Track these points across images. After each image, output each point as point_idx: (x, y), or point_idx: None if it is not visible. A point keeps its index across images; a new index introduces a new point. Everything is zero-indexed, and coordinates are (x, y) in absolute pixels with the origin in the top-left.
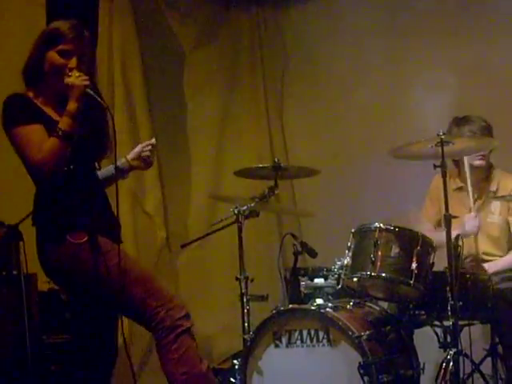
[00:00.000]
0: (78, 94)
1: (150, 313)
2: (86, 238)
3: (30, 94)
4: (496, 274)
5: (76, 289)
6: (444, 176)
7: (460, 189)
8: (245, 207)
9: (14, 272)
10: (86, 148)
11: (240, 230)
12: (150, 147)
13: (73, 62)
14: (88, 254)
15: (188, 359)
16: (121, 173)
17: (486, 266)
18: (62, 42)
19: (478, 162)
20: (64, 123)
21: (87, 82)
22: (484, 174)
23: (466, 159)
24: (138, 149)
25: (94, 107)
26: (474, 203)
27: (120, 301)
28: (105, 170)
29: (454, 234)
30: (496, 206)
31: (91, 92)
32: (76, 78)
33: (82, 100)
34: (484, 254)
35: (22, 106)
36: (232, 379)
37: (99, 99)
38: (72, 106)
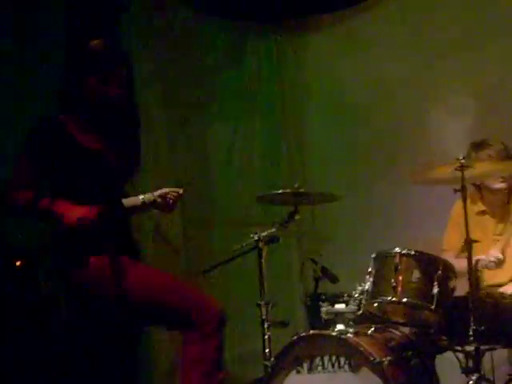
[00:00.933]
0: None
1: (183, 317)
2: (107, 260)
3: (63, 119)
4: None
5: (99, 309)
6: (464, 200)
7: (482, 213)
8: (265, 233)
9: None
10: (112, 169)
11: (260, 255)
12: (176, 194)
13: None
14: (110, 273)
15: (208, 362)
16: (146, 207)
17: (503, 289)
18: (101, 67)
19: (498, 186)
20: (71, 216)
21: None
22: (505, 197)
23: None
24: (165, 190)
25: (127, 124)
26: (496, 226)
27: (152, 312)
28: (132, 198)
29: (475, 259)
30: None
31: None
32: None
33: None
34: (508, 278)
35: (43, 136)
36: None
37: None
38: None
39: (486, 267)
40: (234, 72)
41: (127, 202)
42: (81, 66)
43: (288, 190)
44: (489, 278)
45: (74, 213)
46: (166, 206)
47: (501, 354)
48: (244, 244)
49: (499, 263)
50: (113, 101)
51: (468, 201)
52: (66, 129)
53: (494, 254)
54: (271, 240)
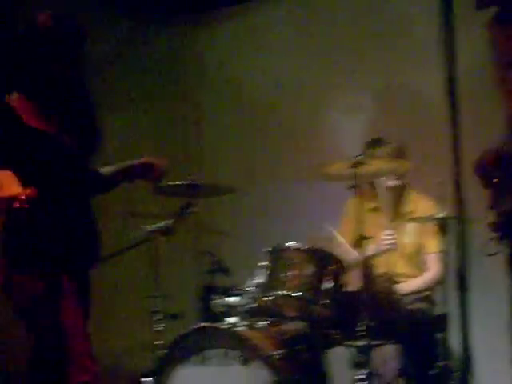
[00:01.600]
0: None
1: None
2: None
3: (14, 101)
4: (407, 295)
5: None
6: (358, 197)
7: (375, 209)
8: (161, 224)
9: None
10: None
11: (155, 247)
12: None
13: None
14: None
15: None
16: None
17: (397, 287)
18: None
19: (392, 183)
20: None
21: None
22: (399, 196)
23: (381, 181)
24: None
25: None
26: (390, 223)
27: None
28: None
29: (368, 253)
30: (411, 226)
31: None
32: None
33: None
34: (399, 274)
35: None
36: None
37: None
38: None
39: (380, 252)
40: (133, 63)
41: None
42: (30, 45)
43: (184, 182)
44: (380, 273)
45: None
46: (153, 174)
47: (390, 349)
48: (139, 235)
49: (394, 240)
50: (67, 80)
51: (362, 197)
52: (14, 111)
53: (385, 233)
54: (166, 232)
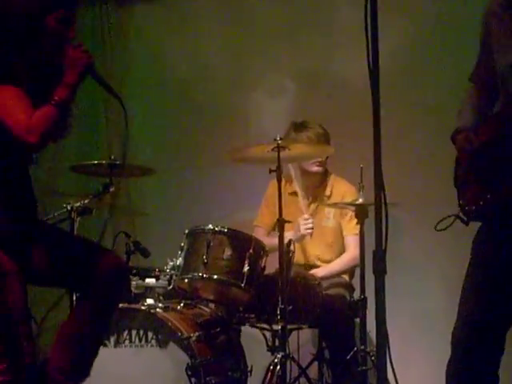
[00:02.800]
0: (82, 70)
1: None
2: None
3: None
4: (324, 279)
5: None
6: (279, 180)
7: (295, 193)
8: (78, 204)
9: None
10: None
11: (72, 226)
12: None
13: (73, 30)
14: None
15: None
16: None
17: (313, 271)
18: (59, 6)
19: (314, 169)
20: (61, 92)
21: (92, 59)
22: (320, 180)
23: (291, 167)
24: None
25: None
26: (309, 207)
27: None
28: None
29: (287, 238)
30: (330, 210)
31: (98, 74)
32: (82, 53)
33: (83, 77)
34: (318, 258)
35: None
36: None
37: (108, 85)
38: (72, 78)
39: (298, 237)
40: None
41: None
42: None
43: (103, 162)
44: (297, 256)
45: None
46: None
47: (306, 333)
48: (56, 214)
49: (311, 224)
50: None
51: (283, 181)
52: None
53: (302, 218)
54: (84, 211)
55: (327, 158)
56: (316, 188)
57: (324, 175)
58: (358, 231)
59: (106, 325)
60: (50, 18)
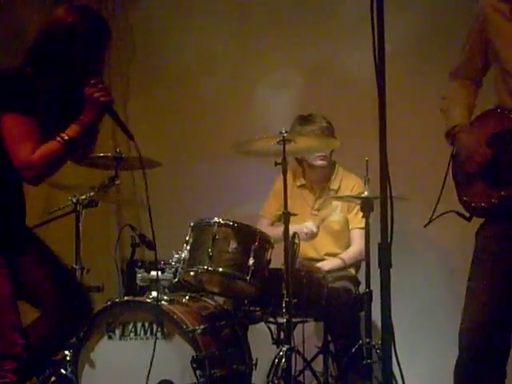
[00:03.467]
0: (99, 110)
1: None
2: None
3: (29, 71)
4: (330, 272)
5: None
6: (284, 173)
7: (303, 186)
8: (84, 196)
9: None
10: None
11: (78, 219)
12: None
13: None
14: None
15: None
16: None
17: (319, 264)
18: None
19: (319, 163)
20: (73, 131)
21: (110, 99)
22: (326, 174)
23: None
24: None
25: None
26: (316, 201)
27: None
28: None
29: (292, 231)
30: (337, 204)
31: (116, 113)
32: (100, 92)
33: (101, 117)
34: (325, 252)
35: (21, 87)
36: (63, 371)
37: (124, 125)
38: (88, 117)
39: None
40: None
41: None
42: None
43: (109, 154)
44: (305, 249)
45: None
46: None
47: (311, 326)
48: (61, 207)
49: (312, 236)
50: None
51: (290, 174)
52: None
53: (309, 226)
54: (90, 204)
55: (332, 152)
56: (322, 182)
57: (330, 169)
58: (363, 225)
59: (56, 347)
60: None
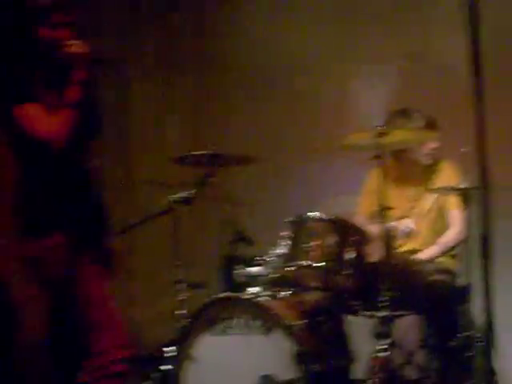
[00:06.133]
0: (84, 62)
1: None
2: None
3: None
4: (430, 261)
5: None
6: (381, 167)
7: (398, 181)
8: (181, 194)
9: None
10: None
11: (176, 217)
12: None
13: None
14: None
15: None
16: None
17: (418, 255)
18: (48, 14)
19: (426, 160)
20: (72, 93)
21: (88, 49)
22: (425, 168)
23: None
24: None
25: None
26: (413, 195)
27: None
28: None
29: (389, 225)
30: (434, 195)
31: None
32: (77, 47)
33: (88, 68)
34: (423, 243)
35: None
36: (164, 367)
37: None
38: (79, 74)
39: (397, 236)
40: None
41: None
42: (29, 19)
43: (205, 152)
44: (402, 244)
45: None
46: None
47: (410, 320)
48: (160, 205)
49: (410, 234)
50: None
51: (384, 169)
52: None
53: (406, 223)
54: (187, 201)
55: (435, 148)
56: (419, 176)
57: (434, 162)
58: (460, 206)
59: None
60: (43, 28)
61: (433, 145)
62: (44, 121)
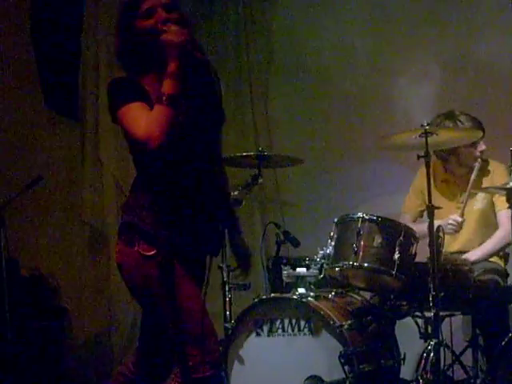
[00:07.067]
0: (176, 52)
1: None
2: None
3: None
4: (478, 261)
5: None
6: (428, 166)
7: (446, 181)
8: (232, 195)
9: None
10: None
11: None
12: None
13: (160, 14)
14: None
15: None
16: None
17: (467, 255)
18: (141, 3)
19: (476, 165)
20: (166, 86)
21: (184, 36)
22: (473, 167)
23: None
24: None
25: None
26: (460, 195)
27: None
28: None
29: (436, 225)
30: (481, 195)
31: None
32: (171, 34)
33: (181, 58)
34: (470, 243)
35: (126, 86)
36: None
37: (201, 56)
38: (172, 65)
39: (446, 232)
40: (199, 37)
41: None
42: (124, 14)
43: (252, 153)
44: (449, 244)
45: None
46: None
47: (459, 320)
48: None
49: (458, 227)
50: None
51: (432, 168)
52: (140, 84)
53: (454, 217)
54: (234, 203)
55: (483, 151)
56: (465, 176)
57: (484, 161)
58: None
59: None
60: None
61: (481, 148)
62: (139, 121)
